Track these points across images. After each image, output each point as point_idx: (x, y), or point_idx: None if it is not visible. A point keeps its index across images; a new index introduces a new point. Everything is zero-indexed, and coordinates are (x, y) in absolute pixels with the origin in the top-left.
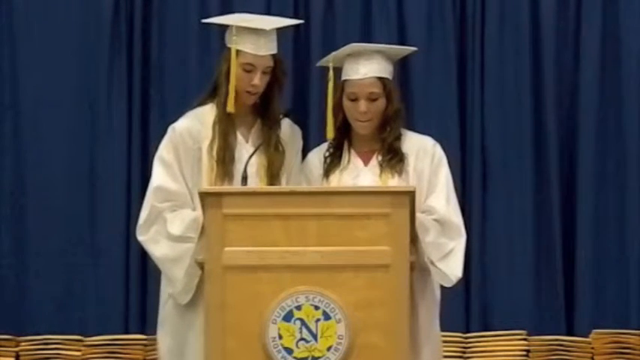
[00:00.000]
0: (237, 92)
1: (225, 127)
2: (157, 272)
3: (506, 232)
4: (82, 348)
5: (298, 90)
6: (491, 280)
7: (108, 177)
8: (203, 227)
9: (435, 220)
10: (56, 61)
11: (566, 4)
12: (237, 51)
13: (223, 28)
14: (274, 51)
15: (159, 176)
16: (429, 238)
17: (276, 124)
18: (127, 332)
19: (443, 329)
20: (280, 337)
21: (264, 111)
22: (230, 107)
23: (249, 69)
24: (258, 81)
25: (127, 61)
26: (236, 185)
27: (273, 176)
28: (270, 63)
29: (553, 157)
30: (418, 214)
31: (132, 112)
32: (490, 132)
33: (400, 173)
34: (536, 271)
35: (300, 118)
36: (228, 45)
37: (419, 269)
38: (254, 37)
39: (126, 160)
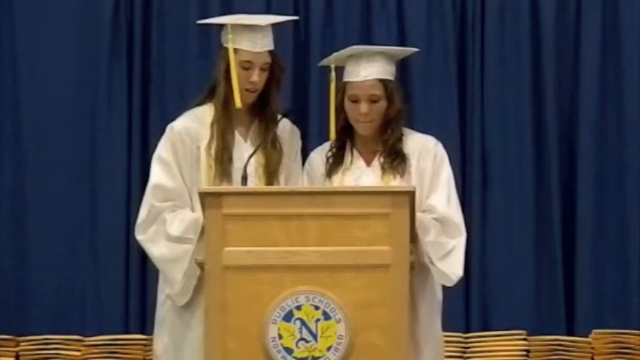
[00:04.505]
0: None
1: (224, 126)
2: (157, 272)
3: (506, 232)
4: (82, 348)
5: (298, 90)
6: (491, 280)
7: (108, 177)
8: (203, 228)
9: (435, 219)
10: (56, 62)
11: (566, 4)
12: (235, 49)
13: (222, 28)
14: (271, 47)
15: (157, 174)
16: (429, 238)
17: (274, 122)
18: (126, 332)
19: (443, 329)
20: (280, 337)
21: (262, 109)
22: (238, 103)
23: (247, 66)
24: (257, 78)
25: (127, 61)
26: (235, 185)
27: (270, 174)
28: (268, 59)
29: (553, 157)
30: (418, 214)
31: (132, 112)
32: (490, 132)
33: (402, 174)
34: (536, 271)
35: (300, 118)
36: (225, 44)
37: (419, 269)
38: (250, 35)
39: (126, 160)
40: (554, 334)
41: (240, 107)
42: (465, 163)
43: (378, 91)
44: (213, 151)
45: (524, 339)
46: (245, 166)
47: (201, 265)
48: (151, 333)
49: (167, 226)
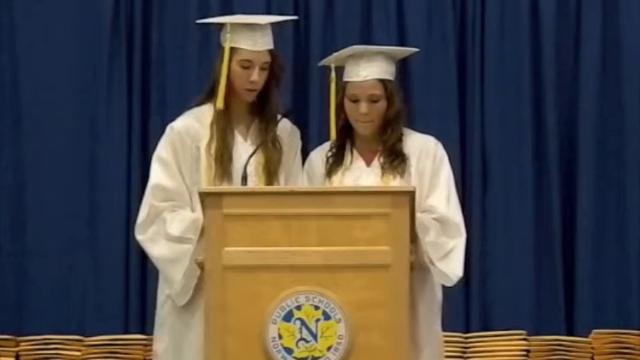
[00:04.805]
0: (236, 90)
1: (224, 126)
2: (157, 272)
3: (506, 232)
4: (82, 348)
5: (298, 90)
6: (491, 280)
7: (108, 177)
8: (203, 228)
9: (435, 219)
10: (56, 61)
11: (566, 4)
12: (234, 48)
13: (222, 28)
14: (271, 46)
15: (157, 175)
16: (429, 238)
17: (274, 121)
18: (126, 332)
19: (443, 329)
20: (280, 337)
21: (261, 108)
22: (219, 104)
23: (246, 65)
24: (257, 77)
25: (126, 61)
26: (235, 185)
27: (270, 173)
28: (268, 58)
29: (553, 157)
30: (418, 214)
31: (132, 112)
32: (490, 132)
33: (402, 174)
34: (536, 271)
35: (300, 118)
36: (223, 44)
37: (419, 269)
38: (249, 33)
39: (126, 160)
40: (554, 334)
41: (222, 107)
42: (465, 163)
43: (378, 91)
44: (213, 151)
45: (524, 339)
46: (245, 166)
47: (201, 265)
48: (151, 333)
49: (167, 226)
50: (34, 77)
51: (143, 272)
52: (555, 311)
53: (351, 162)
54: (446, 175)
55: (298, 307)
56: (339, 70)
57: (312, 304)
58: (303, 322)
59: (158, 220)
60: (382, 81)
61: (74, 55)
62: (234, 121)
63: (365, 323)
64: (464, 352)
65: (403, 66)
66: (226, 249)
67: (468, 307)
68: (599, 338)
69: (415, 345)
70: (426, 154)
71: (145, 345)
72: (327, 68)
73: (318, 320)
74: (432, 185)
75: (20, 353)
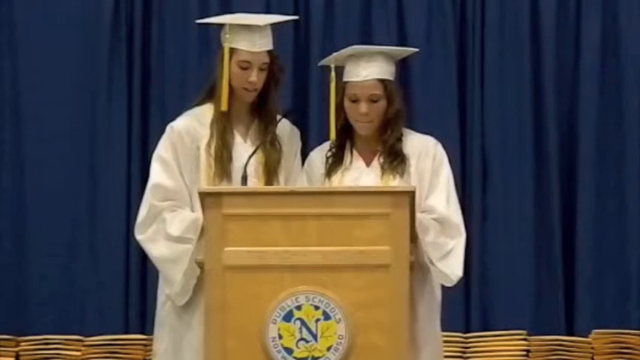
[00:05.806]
0: (235, 90)
1: (223, 126)
2: (157, 272)
3: (506, 232)
4: (82, 348)
5: (298, 90)
6: (491, 280)
7: (108, 177)
8: (203, 228)
9: (435, 219)
10: (56, 61)
11: (566, 4)
12: (233, 49)
13: (222, 28)
14: (269, 47)
15: (157, 174)
16: (428, 238)
17: (273, 121)
18: (126, 332)
19: (443, 329)
20: (280, 337)
21: (261, 109)
22: (224, 106)
23: (245, 66)
24: (255, 78)
25: (126, 62)
26: (235, 185)
27: (270, 173)
28: (266, 59)
29: (553, 157)
30: (418, 214)
31: (132, 112)
32: (490, 132)
33: (402, 174)
34: (536, 271)
35: (300, 118)
36: (223, 44)
37: (419, 269)
38: (248, 34)
39: (126, 160)
40: (554, 334)
41: (226, 110)
42: (465, 163)
43: (378, 91)
44: (212, 151)
45: (524, 339)
46: (245, 166)
47: (201, 265)
48: (151, 333)
49: (167, 225)
50: (34, 77)
51: (143, 272)
52: (555, 311)
53: (351, 162)
54: (445, 175)
55: (298, 307)
56: (339, 70)
57: (312, 304)
58: (303, 322)
59: (158, 219)
60: (382, 81)
61: (74, 54)
62: (233, 122)
63: (365, 323)
64: (464, 352)
65: (403, 66)
66: (226, 249)
67: (468, 307)
68: (599, 338)
69: (414, 345)
70: (426, 155)
71: (145, 345)
72: (327, 68)
73: (318, 320)
74: (432, 185)
75: (20, 353)
